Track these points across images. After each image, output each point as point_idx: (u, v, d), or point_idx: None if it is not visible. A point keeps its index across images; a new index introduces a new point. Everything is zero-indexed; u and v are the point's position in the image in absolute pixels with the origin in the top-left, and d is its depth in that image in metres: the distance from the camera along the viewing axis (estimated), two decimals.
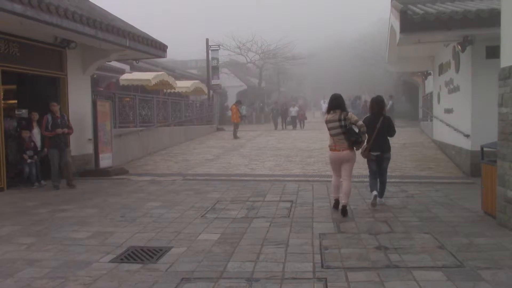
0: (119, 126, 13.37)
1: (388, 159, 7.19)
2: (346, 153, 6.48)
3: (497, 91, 5.68)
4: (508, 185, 5.23)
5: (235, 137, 19.79)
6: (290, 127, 27.27)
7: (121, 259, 4.76)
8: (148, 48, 12.05)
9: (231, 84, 37.04)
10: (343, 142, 6.45)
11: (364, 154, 7.02)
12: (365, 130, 6.52)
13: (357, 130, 6.54)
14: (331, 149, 6.67)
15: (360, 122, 6.52)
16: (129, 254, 4.92)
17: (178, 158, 14.22)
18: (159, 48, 12.65)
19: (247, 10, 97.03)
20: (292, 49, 39.74)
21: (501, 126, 5.43)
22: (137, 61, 14.12)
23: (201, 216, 6.63)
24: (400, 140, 16.60)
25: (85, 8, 10.41)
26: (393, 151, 13.51)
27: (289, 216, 6.54)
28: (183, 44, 49.12)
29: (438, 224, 5.87)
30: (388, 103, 27.43)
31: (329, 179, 8.23)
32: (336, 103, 6.59)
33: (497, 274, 4.01)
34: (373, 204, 6.87)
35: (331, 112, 6.60)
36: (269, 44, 38.12)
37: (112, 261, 4.68)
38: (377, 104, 7.27)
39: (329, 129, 6.58)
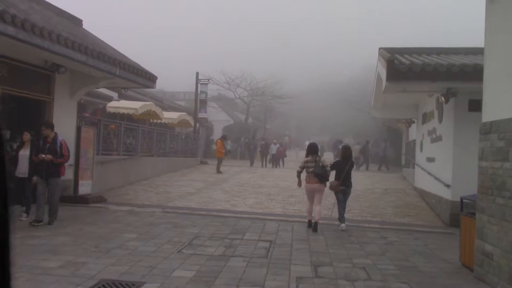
0: (102, 153, 13.22)
1: (350, 192, 9.41)
2: (317, 185, 8.70)
3: (478, 144, 5.78)
4: (486, 239, 5.26)
5: (218, 171, 19.70)
6: (270, 165, 26.63)
7: None
8: (137, 78, 12.12)
9: (218, 118, 37.23)
10: (314, 178, 8.67)
11: (336, 188, 9.05)
12: (330, 170, 8.90)
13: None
14: (307, 182, 8.86)
15: (327, 165, 8.96)
16: None
17: (159, 189, 14.05)
18: (149, 79, 12.73)
19: (239, 49, 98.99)
20: (280, 88, 40.40)
21: (480, 179, 5.51)
22: (125, 90, 14.15)
23: (178, 251, 6.48)
24: (383, 186, 16.72)
25: (78, 35, 10.50)
26: (375, 196, 13.56)
27: (267, 257, 6.44)
28: (173, 76, 49.59)
29: (416, 274, 5.84)
30: (382, 145, 28.12)
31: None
32: (313, 149, 9.13)
33: None
34: (341, 229, 8.71)
35: (309, 155, 9.00)
36: (258, 81, 38.75)
37: None
38: (346, 151, 9.67)
39: (308, 167, 8.84)
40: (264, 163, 26.89)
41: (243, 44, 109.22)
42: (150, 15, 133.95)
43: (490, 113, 5.48)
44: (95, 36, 12.09)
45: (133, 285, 4.92)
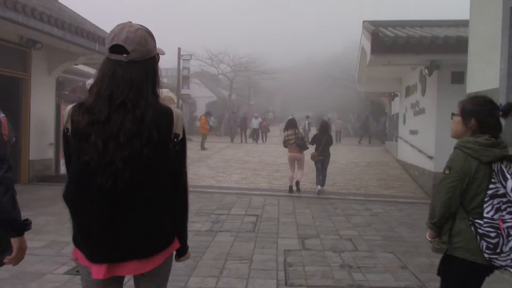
0: None
1: (328, 162, 10.36)
2: (298, 154, 10.04)
3: None
4: None
5: (203, 148, 19.62)
6: (251, 140, 25.99)
7: (77, 271, 4.53)
8: None
9: (201, 95, 36.85)
10: (295, 147, 10.00)
11: (314, 158, 10.16)
12: (308, 140, 10.50)
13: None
14: (289, 151, 10.19)
15: (305, 136, 10.63)
16: None
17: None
18: None
19: (220, 23, 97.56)
20: (264, 64, 40.05)
21: None
22: None
23: None
24: (366, 159, 16.88)
25: (54, 9, 10.14)
26: (359, 169, 13.68)
27: (254, 231, 6.45)
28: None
29: (401, 244, 5.92)
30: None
31: (295, 194, 9.91)
32: (292, 124, 10.43)
33: None
34: (319, 193, 9.88)
35: (289, 129, 10.24)
36: (241, 57, 38.30)
37: (67, 273, 4.47)
38: (322, 125, 10.85)
39: (289, 139, 10.11)
40: (243, 138, 26.13)
41: (226, 19, 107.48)
42: None
43: (474, 84, 5.48)
44: (72, 11, 11.71)
45: None
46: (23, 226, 1.96)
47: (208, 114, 22.14)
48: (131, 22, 1.89)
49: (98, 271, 1.81)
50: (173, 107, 1.98)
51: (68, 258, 4.89)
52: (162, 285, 2.01)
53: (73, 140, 1.82)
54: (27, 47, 10.13)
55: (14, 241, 1.93)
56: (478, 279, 2.52)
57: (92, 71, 22.15)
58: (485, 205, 2.37)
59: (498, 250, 2.33)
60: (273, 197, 9.57)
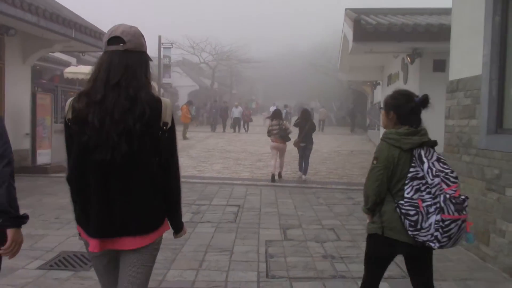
0: (62, 121, 12.67)
1: (310, 149, 10.63)
2: (281, 144, 10.28)
3: (445, 103, 5.76)
4: None
5: (184, 137, 19.40)
6: (232, 130, 25.48)
7: (51, 266, 4.37)
8: (96, 41, 11.48)
9: (183, 84, 36.46)
10: (278, 138, 10.23)
11: (297, 145, 10.54)
12: (290, 132, 10.47)
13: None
14: (272, 141, 10.41)
15: (288, 128, 10.59)
16: (60, 260, 4.53)
17: None
18: None
19: (202, 11, 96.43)
20: (246, 52, 39.81)
21: (447, 138, 5.51)
22: (83, 54, 13.47)
23: None
24: (348, 148, 16.91)
25: None
26: (341, 158, 13.65)
27: (235, 222, 6.35)
28: None
29: None
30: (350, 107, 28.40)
31: (278, 184, 9.91)
32: (278, 115, 10.73)
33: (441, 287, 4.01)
34: (300, 179, 10.38)
35: (274, 120, 10.49)
36: (223, 45, 37.96)
37: (40, 267, 4.29)
38: (303, 114, 11.08)
39: (273, 130, 10.31)
40: (224, 127, 25.70)
41: (208, 8, 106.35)
42: None
43: (456, 71, 5.43)
44: None
45: None
46: (19, 219, 2.05)
47: (189, 103, 21.88)
48: (125, 23, 2.12)
49: (94, 245, 1.98)
50: (164, 98, 2.12)
51: (42, 252, 4.73)
52: (149, 263, 2.12)
53: (73, 126, 1.98)
54: (0, 34, 9.76)
55: (9, 232, 2.01)
56: (393, 256, 2.80)
57: (71, 59, 21.70)
58: (405, 187, 2.62)
59: (419, 227, 2.55)
60: (255, 186, 9.47)
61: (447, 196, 2.50)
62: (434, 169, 2.57)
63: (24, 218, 2.07)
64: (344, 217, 6.77)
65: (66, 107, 2.02)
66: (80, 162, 1.98)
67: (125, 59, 1.98)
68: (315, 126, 11.01)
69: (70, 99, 2.04)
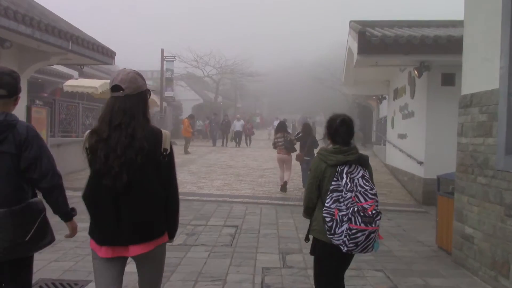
0: (60, 135, 12.36)
1: None
2: (286, 156, 10.57)
3: (457, 119, 5.35)
4: (465, 221, 4.86)
5: (186, 152, 19.02)
6: (233, 143, 24.48)
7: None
8: (93, 53, 11.22)
9: (186, 97, 36.21)
10: (283, 149, 10.54)
11: (300, 159, 10.70)
12: (295, 143, 10.79)
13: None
14: (278, 153, 10.77)
15: (293, 139, 10.83)
16: None
17: None
18: (106, 54, 11.84)
19: (208, 27, 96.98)
20: (250, 66, 39.59)
21: (460, 157, 5.09)
22: (81, 67, 13.20)
23: None
24: None
25: (23, 5, 9.51)
26: None
27: (231, 245, 5.92)
28: (142, 55, 48.11)
29: (391, 259, 5.44)
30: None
31: (279, 201, 9.54)
32: (282, 128, 11.09)
33: None
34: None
35: (279, 133, 10.83)
36: (227, 59, 37.77)
37: None
38: (304, 128, 11.48)
39: (278, 142, 10.66)
40: (224, 141, 24.67)
41: (212, 21, 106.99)
42: None
43: (470, 85, 5.03)
44: (44, 7, 11.09)
45: (76, 284, 4.32)
46: (72, 213, 2.73)
47: (191, 117, 21.50)
48: (125, 68, 2.55)
49: (107, 252, 2.40)
50: (162, 129, 2.59)
51: None
52: (160, 265, 2.62)
53: (89, 155, 2.44)
54: None
55: (67, 224, 2.74)
56: (334, 255, 3.08)
57: (72, 72, 21.51)
58: (327, 197, 2.98)
59: (333, 232, 2.91)
60: (256, 205, 9.05)
61: (356, 209, 2.84)
62: (350, 184, 2.92)
63: (74, 211, 2.73)
64: None
65: (84, 138, 2.47)
66: (94, 183, 2.41)
67: (124, 104, 2.40)
68: (317, 142, 10.95)
69: (87, 132, 2.48)
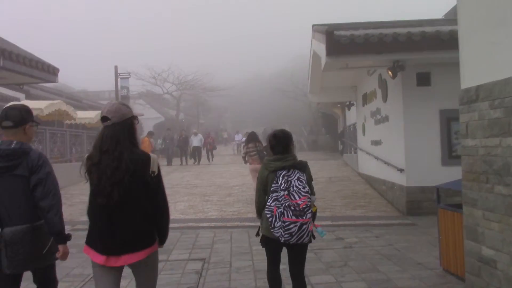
0: None
1: None
2: (259, 165, 10.32)
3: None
4: (482, 240, 3.99)
5: None
6: (192, 160, 22.42)
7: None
8: (32, 70, 9.96)
9: (147, 116, 34.60)
10: (257, 159, 10.31)
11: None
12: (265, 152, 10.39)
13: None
14: (250, 163, 10.62)
15: (264, 149, 10.38)
16: None
17: (74, 199, 11.89)
18: (47, 71, 10.58)
19: (164, 44, 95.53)
20: (210, 81, 38.55)
21: (468, 163, 4.22)
22: (21, 86, 11.85)
23: None
24: (326, 174, 15.63)
25: None
26: (320, 187, 12.40)
27: (197, 287, 4.84)
28: (98, 75, 46.29)
29: None
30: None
31: (251, 223, 8.31)
32: (254, 138, 10.94)
33: None
34: None
35: (250, 143, 10.72)
36: (186, 74, 36.58)
37: None
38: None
39: (250, 152, 10.60)
40: (184, 159, 22.59)
41: (168, 37, 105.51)
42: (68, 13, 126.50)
43: (473, 76, 4.20)
44: None
45: None
46: (66, 237, 3.06)
47: (150, 134, 20.12)
48: (111, 101, 3.46)
49: (101, 260, 2.75)
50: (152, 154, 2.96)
51: None
52: (153, 272, 2.97)
53: (86, 177, 2.84)
54: None
55: (60, 247, 3.02)
56: (277, 248, 3.67)
57: (18, 95, 19.88)
58: (269, 197, 3.55)
59: (272, 226, 3.45)
60: (225, 229, 7.99)
61: (287, 204, 3.38)
62: (284, 185, 3.44)
63: (69, 236, 3.07)
64: (338, 269, 5.35)
65: (83, 161, 2.87)
66: (92, 201, 2.82)
67: (112, 131, 2.81)
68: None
69: (85, 156, 2.89)
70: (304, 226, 3.35)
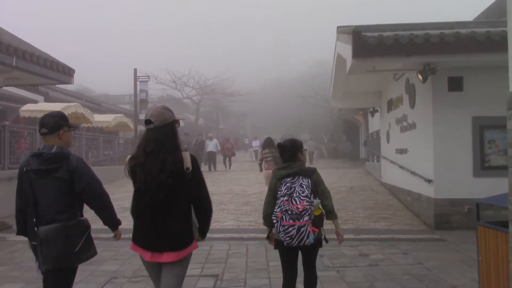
0: (11, 167, 10.68)
1: None
2: None
3: (507, 124, 3.94)
4: None
5: None
6: (206, 167, 20.88)
7: None
8: (46, 70, 9.69)
9: None
10: (272, 165, 9.86)
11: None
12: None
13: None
14: (266, 169, 10.51)
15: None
16: None
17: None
18: (62, 72, 10.31)
19: (186, 48, 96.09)
20: (230, 85, 38.27)
21: None
22: (36, 87, 11.66)
23: None
24: (347, 183, 15.04)
25: None
26: (341, 196, 11.78)
27: None
28: (119, 79, 46.49)
29: None
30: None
31: None
32: (270, 143, 10.82)
33: None
34: None
35: (267, 148, 10.74)
36: (206, 79, 36.38)
37: None
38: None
39: (267, 157, 10.61)
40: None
41: (190, 42, 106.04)
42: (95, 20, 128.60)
43: None
44: None
45: None
46: (118, 224, 3.44)
47: None
48: (156, 104, 3.34)
49: (146, 256, 2.97)
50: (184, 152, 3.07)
51: None
52: (182, 272, 3.06)
53: (131, 176, 3.03)
54: None
55: (114, 232, 3.47)
56: (290, 251, 3.73)
57: (37, 97, 19.89)
58: (275, 204, 3.70)
59: (278, 230, 3.61)
60: (241, 241, 7.53)
61: (285, 209, 3.58)
62: (284, 191, 3.66)
63: (120, 223, 3.43)
64: None
65: (126, 161, 3.06)
66: (137, 200, 3.02)
67: (155, 134, 2.99)
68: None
69: (128, 157, 3.09)
70: (302, 229, 3.49)
